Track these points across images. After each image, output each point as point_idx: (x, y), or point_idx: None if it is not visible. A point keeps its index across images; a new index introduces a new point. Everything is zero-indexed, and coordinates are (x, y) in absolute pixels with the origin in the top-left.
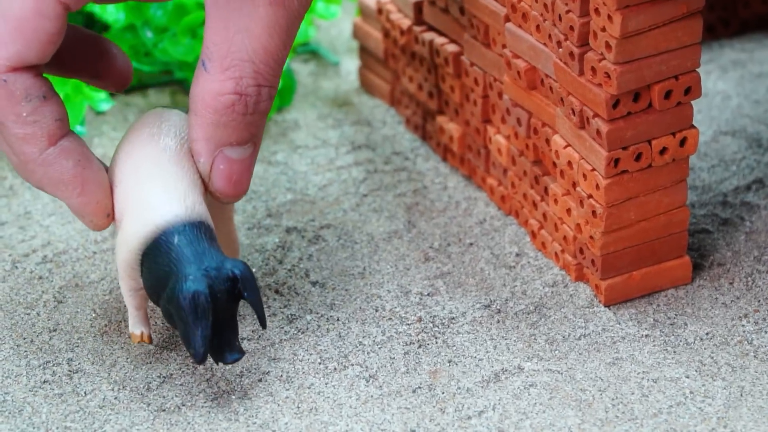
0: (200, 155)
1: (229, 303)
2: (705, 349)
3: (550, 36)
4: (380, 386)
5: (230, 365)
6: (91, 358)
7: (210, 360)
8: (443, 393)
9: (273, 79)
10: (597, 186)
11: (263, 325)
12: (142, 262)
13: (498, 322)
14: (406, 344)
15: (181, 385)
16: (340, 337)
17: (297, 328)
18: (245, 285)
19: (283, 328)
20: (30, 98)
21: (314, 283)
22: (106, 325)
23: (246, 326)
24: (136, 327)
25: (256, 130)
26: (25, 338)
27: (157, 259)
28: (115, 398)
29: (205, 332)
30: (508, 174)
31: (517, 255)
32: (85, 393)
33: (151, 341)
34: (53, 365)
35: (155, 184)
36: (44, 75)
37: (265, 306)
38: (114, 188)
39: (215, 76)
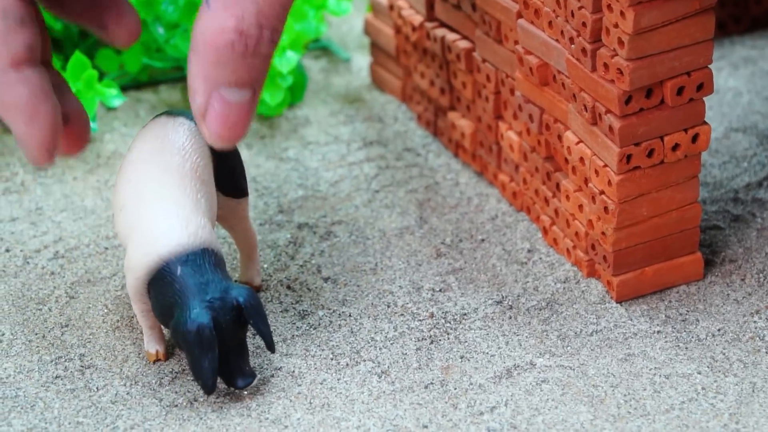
0: (196, 93)
1: (235, 330)
2: (717, 345)
3: (562, 32)
4: (392, 382)
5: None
6: (103, 354)
7: None
8: (455, 389)
9: (276, 22)
10: (609, 182)
11: (271, 349)
12: (148, 289)
13: (510, 318)
14: (418, 340)
15: (193, 380)
16: (352, 332)
17: (309, 323)
18: (250, 313)
19: (294, 323)
20: (6, 17)
21: (326, 279)
22: (118, 321)
23: None
24: (151, 346)
25: (257, 75)
26: (37, 334)
27: (161, 290)
28: (127, 394)
29: (213, 364)
30: (520, 170)
31: (529, 251)
32: (97, 388)
33: (166, 359)
34: (65, 361)
35: (157, 211)
36: (42, 10)
37: (276, 302)
38: (118, 212)
39: (217, 12)
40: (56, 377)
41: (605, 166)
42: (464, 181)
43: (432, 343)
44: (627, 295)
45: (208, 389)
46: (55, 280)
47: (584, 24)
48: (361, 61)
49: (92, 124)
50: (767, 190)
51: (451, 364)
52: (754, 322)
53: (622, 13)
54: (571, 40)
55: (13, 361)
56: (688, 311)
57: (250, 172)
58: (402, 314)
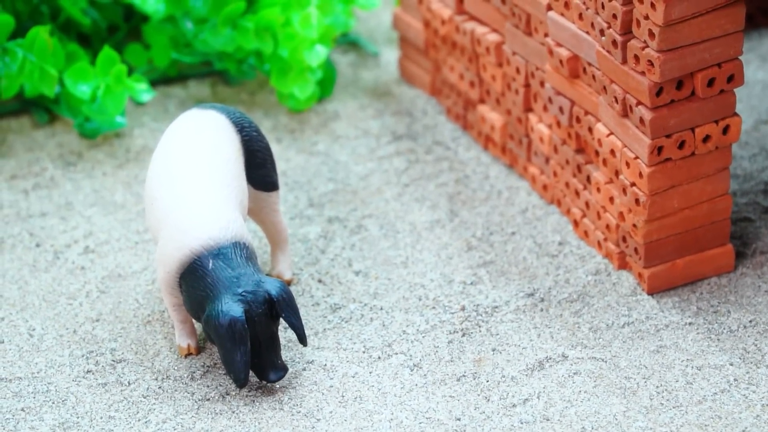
0: None
1: (267, 324)
2: (749, 336)
3: (592, 24)
4: (424, 375)
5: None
6: (134, 348)
7: None
8: (488, 381)
9: None
10: (640, 174)
11: (303, 342)
12: (180, 282)
13: (541, 310)
14: (450, 333)
15: (224, 374)
16: (383, 326)
17: (340, 317)
18: (281, 306)
19: (326, 317)
20: None
21: (357, 273)
22: (149, 315)
23: None
24: (182, 340)
25: None
26: (67, 328)
27: (193, 283)
28: (159, 388)
29: (245, 357)
30: (550, 163)
31: (560, 244)
32: (128, 383)
33: (198, 353)
34: (96, 355)
35: (189, 204)
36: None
37: (308, 295)
38: (149, 205)
39: None
40: (87, 372)
41: (636, 158)
42: (494, 174)
43: (464, 335)
44: (658, 287)
45: (241, 383)
46: (85, 274)
47: (615, 16)
48: (390, 55)
49: (121, 119)
50: None
51: (483, 357)
52: None
53: (652, 5)
54: (602, 32)
55: (44, 355)
56: (719, 303)
57: (280, 166)
58: (433, 307)
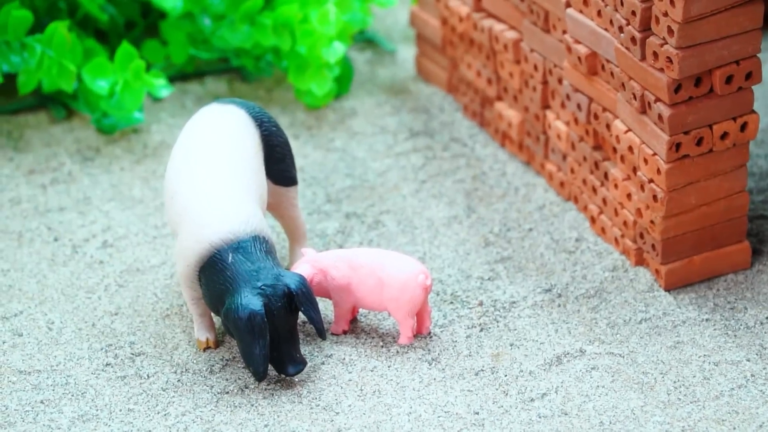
0: None
1: (286, 317)
2: (765, 332)
3: (611, 21)
4: (443, 369)
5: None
6: (153, 342)
7: None
8: (506, 376)
9: None
10: (658, 170)
11: (322, 336)
12: (199, 276)
13: (559, 306)
14: (468, 328)
15: (243, 368)
16: None
17: (359, 311)
18: (300, 300)
19: None
20: None
21: None
22: (167, 309)
23: None
24: (201, 333)
25: None
26: (86, 322)
27: (212, 277)
28: (178, 381)
29: (264, 351)
30: (568, 159)
31: (577, 240)
32: (147, 376)
33: (217, 346)
34: (115, 348)
35: (209, 198)
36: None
37: None
38: (169, 199)
39: None
40: (107, 365)
41: (654, 154)
42: (511, 171)
43: (482, 330)
44: (675, 284)
45: (260, 376)
46: (104, 268)
47: (633, 13)
48: (406, 52)
49: (139, 115)
50: None
51: (501, 352)
52: None
53: (671, 2)
54: (621, 29)
55: (63, 349)
56: (736, 299)
57: (297, 162)
58: (451, 302)
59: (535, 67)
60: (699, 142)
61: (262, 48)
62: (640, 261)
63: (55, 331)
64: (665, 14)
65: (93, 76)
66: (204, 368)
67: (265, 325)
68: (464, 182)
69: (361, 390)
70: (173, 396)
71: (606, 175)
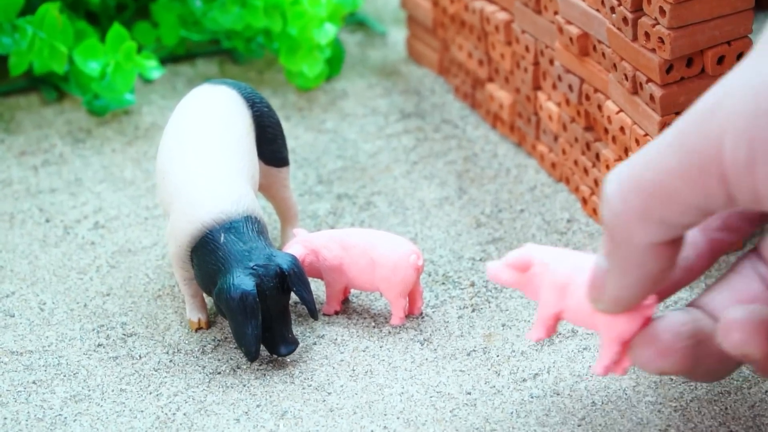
0: None
1: (279, 298)
2: None
3: (603, 1)
4: (435, 349)
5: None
6: (144, 322)
7: None
8: (498, 356)
9: None
10: None
11: (314, 317)
12: (191, 256)
13: None
14: (460, 308)
15: (235, 348)
16: None
17: (351, 291)
18: (292, 280)
19: None
20: None
21: None
22: (159, 290)
23: None
24: (193, 314)
25: None
26: (78, 303)
27: (204, 257)
28: (170, 361)
29: (256, 331)
30: (559, 141)
31: (569, 221)
32: (139, 356)
33: (209, 327)
34: (107, 329)
35: (200, 178)
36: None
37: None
38: (160, 179)
39: None
40: (98, 345)
41: (646, 135)
42: (503, 153)
43: (473, 311)
44: None
45: (251, 356)
46: (95, 249)
47: None
48: (397, 35)
49: (130, 97)
50: None
51: (493, 332)
52: None
53: None
54: (612, 9)
55: (54, 329)
56: None
57: (288, 143)
58: (443, 283)
59: (527, 48)
60: None
61: (253, 29)
62: None
63: (46, 312)
64: None
65: (84, 58)
66: (196, 348)
67: (257, 305)
68: (455, 163)
69: (353, 370)
70: (165, 376)
71: (598, 156)
